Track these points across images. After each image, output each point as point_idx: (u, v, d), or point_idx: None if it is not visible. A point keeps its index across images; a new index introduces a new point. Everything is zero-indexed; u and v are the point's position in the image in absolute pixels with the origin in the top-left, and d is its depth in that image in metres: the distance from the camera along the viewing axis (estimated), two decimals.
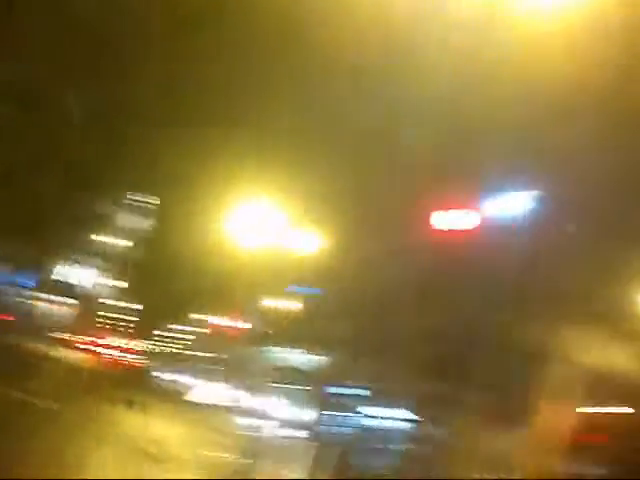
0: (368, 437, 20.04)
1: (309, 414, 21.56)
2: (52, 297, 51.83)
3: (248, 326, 52.30)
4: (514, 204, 24.39)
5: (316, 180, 36.86)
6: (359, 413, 21.97)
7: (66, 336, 50.40)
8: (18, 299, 41.27)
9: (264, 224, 30.92)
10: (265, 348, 41.59)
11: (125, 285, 77.81)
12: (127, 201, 65.89)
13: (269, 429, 18.26)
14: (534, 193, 25.72)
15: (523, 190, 25.71)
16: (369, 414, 21.89)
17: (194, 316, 68.82)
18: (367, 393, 23.93)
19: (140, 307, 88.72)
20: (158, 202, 72.81)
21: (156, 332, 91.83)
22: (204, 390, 28.67)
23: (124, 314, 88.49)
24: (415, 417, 21.80)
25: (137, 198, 69.10)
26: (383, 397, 23.09)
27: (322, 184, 36.54)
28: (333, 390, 24.26)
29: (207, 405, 25.24)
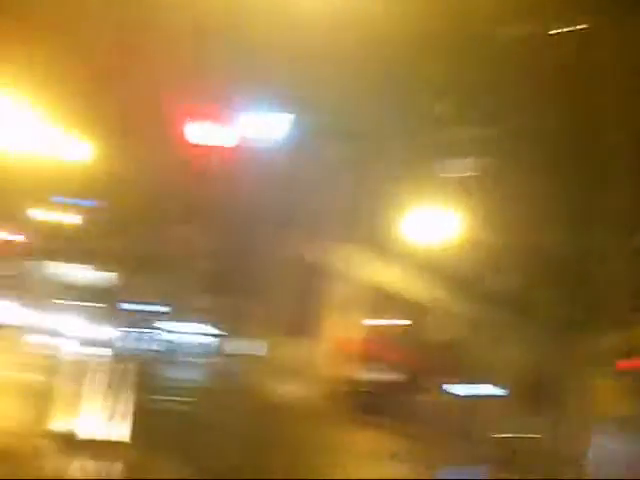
0: (169, 352, 20.10)
1: (106, 331, 21.00)
2: None
3: (24, 239, 48.83)
4: (272, 125, 24.70)
5: (76, 80, 34.37)
6: (157, 329, 21.82)
7: None
8: None
9: (30, 127, 28.47)
10: (50, 263, 39.28)
11: None
12: None
13: (65, 348, 17.52)
14: (292, 116, 26.15)
15: (280, 111, 26.06)
16: (168, 329, 21.85)
17: None
18: (164, 309, 23.76)
19: None
20: None
21: None
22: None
23: None
24: (214, 331, 22.18)
25: None
26: (180, 313, 23.10)
27: (80, 85, 34.22)
28: (128, 307, 23.70)
29: None
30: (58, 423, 7.26)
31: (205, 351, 22.46)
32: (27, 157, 31.20)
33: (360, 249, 23.55)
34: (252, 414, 11.70)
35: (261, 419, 12.84)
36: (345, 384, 15.40)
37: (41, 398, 8.37)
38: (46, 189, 38.50)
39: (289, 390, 21.40)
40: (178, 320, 24.29)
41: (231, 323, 21.43)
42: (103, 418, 7.13)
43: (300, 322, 24.46)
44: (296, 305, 24.85)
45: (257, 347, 23.29)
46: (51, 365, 11.14)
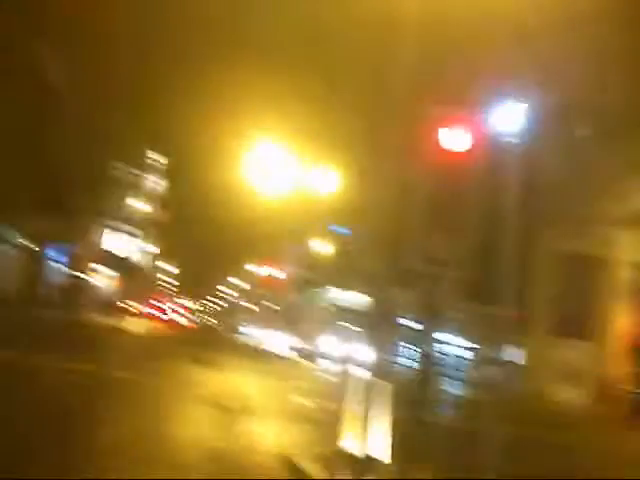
0: (437, 365, 19.97)
1: (376, 350, 21.51)
2: (97, 267, 52.66)
3: (290, 272, 52.78)
4: (510, 117, 23.45)
5: (322, 119, 36.29)
6: (423, 343, 21.90)
7: (122, 306, 51.62)
8: (60, 274, 41.76)
9: (282, 168, 30.53)
10: (315, 291, 41.96)
11: (158, 250, 78.52)
12: (146, 162, 65.89)
13: (344, 370, 18.32)
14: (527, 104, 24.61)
15: (517, 102, 24.66)
16: (432, 343, 21.83)
17: (242, 269, 69.43)
18: (426, 324, 23.83)
19: (176, 270, 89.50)
20: (169, 161, 72.80)
21: (204, 290, 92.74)
22: (271, 340, 29.01)
23: (168, 277, 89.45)
24: (474, 341, 21.63)
25: (154, 158, 69.09)
26: (439, 325, 22.94)
27: (326, 121, 35.97)
28: (397, 324, 24.02)
29: (277, 354, 25.62)
30: (347, 443, 7.50)
31: (469, 362, 21.97)
32: (285, 195, 33.72)
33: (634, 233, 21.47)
34: (527, 423, 11.11)
35: (536, 427, 12.18)
36: (624, 385, 14.01)
37: (328, 420, 8.74)
38: (306, 222, 41.17)
39: (567, 395, 20.10)
40: (439, 332, 24.16)
41: (492, 331, 20.78)
42: (386, 437, 7.21)
43: (572, 322, 22.93)
44: (566, 304, 23.42)
45: (519, 353, 22.32)
46: (334, 388, 11.62)
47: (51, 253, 40.58)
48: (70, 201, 36.66)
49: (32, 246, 36.41)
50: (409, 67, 8.38)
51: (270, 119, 37.02)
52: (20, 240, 34.79)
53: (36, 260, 37.39)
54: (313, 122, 34.44)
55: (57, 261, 41.87)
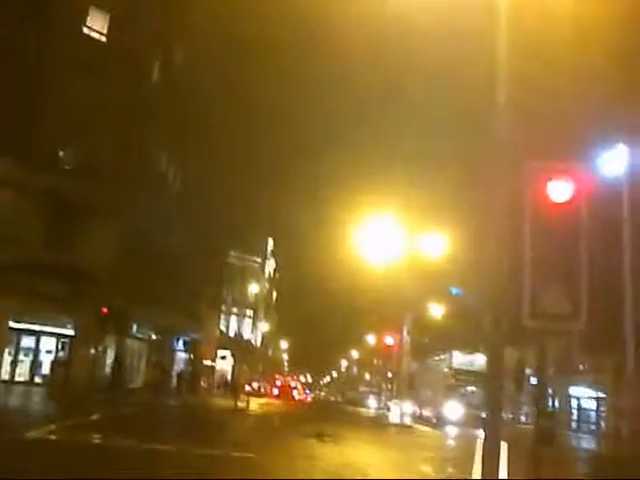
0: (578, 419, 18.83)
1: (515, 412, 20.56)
2: (220, 352, 54.13)
3: (406, 339, 51.91)
4: (616, 161, 22.40)
5: (424, 183, 36.29)
6: (564, 397, 20.79)
7: (242, 387, 52.58)
8: (185, 362, 43.44)
9: (392, 238, 30.67)
10: (434, 355, 40.96)
11: (278, 328, 79.80)
12: (258, 246, 68.33)
13: (473, 435, 17.59)
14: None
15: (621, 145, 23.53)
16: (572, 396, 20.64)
17: (357, 340, 69.20)
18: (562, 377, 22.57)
19: (291, 347, 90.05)
20: (279, 242, 74.87)
21: (322, 364, 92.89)
22: (397, 411, 28.36)
23: (286, 355, 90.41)
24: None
25: (266, 241, 71.61)
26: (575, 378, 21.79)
27: (430, 187, 35.90)
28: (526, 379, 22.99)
29: (401, 424, 24.97)
30: None
31: (598, 414, 20.36)
32: (397, 263, 33.72)
33: None
34: None
35: None
36: None
37: None
38: (419, 288, 40.88)
39: None
40: (568, 386, 22.89)
41: (619, 380, 19.50)
42: None
43: None
44: None
45: None
46: (463, 455, 11.16)
47: (176, 343, 42.40)
48: (191, 293, 38.45)
49: (159, 338, 38.20)
50: (510, 122, 8.32)
51: (375, 192, 37.77)
52: (149, 333, 36.61)
53: (163, 351, 39.15)
54: (416, 188, 34.75)
55: (182, 350, 43.70)
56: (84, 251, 26.59)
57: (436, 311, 42.77)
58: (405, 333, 50.55)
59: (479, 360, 33.40)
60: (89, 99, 26.92)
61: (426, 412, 26.65)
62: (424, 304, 43.94)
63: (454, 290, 41.73)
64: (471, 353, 34.31)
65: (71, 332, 27.79)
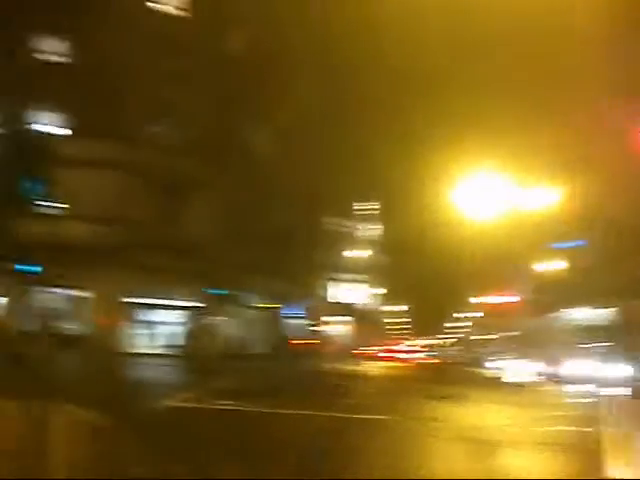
0: None
1: (624, 368, 19.96)
2: (332, 318, 55.20)
3: (521, 297, 50.68)
4: None
5: (525, 135, 34.85)
6: None
7: (362, 351, 53.54)
8: (297, 329, 44.54)
9: (496, 193, 29.82)
10: (551, 312, 39.87)
11: (384, 291, 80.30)
12: (356, 211, 68.55)
13: (593, 392, 17.25)
14: None
15: None
16: None
17: (470, 300, 68.46)
18: None
19: (405, 310, 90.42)
20: (382, 204, 74.81)
21: (435, 326, 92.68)
22: (515, 370, 28.08)
23: (398, 318, 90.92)
24: None
25: (363, 207, 71.75)
26: None
27: (531, 138, 34.44)
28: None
29: (522, 383, 24.75)
30: (614, 470, 7.08)
31: None
32: (503, 219, 32.99)
33: None
34: None
35: None
36: None
37: (590, 447, 8.30)
38: (528, 243, 39.74)
39: None
40: None
41: None
42: None
43: None
44: None
45: None
46: (589, 411, 11.06)
47: (288, 311, 43.57)
48: (298, 261, 39.34)
49: (272, 306, 39.41)
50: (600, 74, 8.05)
51: (476, 146, 36.79)
52: (260, 302, 37.86)
53: (275, 319, 40.37)
54: (519, 140, 33.56)
55: (294, 317, 44.84)
56: (191, 225, 27.63)
57: (550, 267, 41.55)
58: (520, 291, 49.54)
59: (599, 315, 32.31)
60: (177, 75, 27.54)
61: (551, 370, 26.20)
62: (537, 260, 42.76)
63: (566, 244, 40.27)
64: (594, 308, 33.27)
65: (187, 304, 29.04)
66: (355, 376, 27.62)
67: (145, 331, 29.14)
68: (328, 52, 41.93)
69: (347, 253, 62.24)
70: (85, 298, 26.89)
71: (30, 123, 26.81)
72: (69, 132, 27.59)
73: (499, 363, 35.08)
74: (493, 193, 29.86)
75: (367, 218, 74.11)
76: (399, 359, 54.49)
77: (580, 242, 38.65)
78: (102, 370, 20.00)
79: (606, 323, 29.80)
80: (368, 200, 73.72)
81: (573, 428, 12.19)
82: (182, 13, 29.73)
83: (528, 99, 34.65)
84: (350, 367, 32.43)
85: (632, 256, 28.60)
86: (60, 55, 27.85)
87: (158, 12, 29.22)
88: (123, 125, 26.42)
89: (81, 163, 25.34)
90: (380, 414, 13.59)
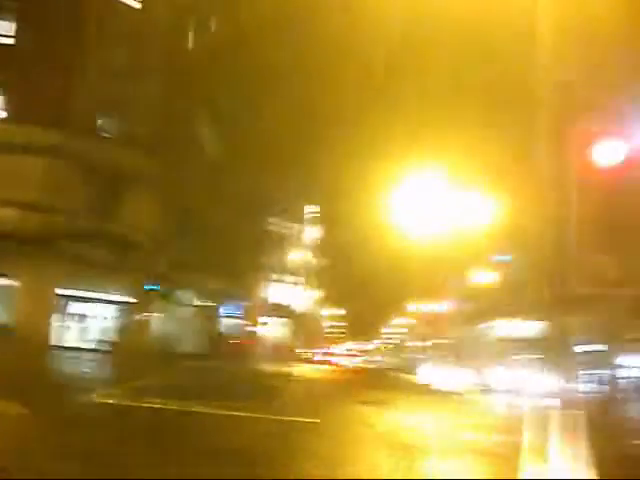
0: (620, 389, 18.75)
1: (555, 379, 20.48)
2: (269, 319, 55.00)
3: (453, 307, 51.70)
4: None
5: (471, 147, 35.65)
6: (606, 367, 20.63)
7: (298, 353, 53.32)
8: (233, 328, 44.33)
9: (436, 203, 30.34)
10: (481, 323, 40.86)
11: (322, 295, 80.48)
12: (300, 214, 68.70)
13: (522, 402, 17.68)
14: None
15: None
16: (614, 366, 20.50)
17: (405, 308, 69.33)
18: (604, 347, 22.45)
19: (342, 314, 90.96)
20: (320, 210, 75.32)
21: (370, 332, 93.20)
22: (445, 378, 28.59)
23: (334, 321, 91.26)
24: None
25: (307, 210, 71.93)
26: (617, 348, 21.58)
27: (476, 150, 35.28)
28: (575, 350, 22.78)
29: (450, 391, 25.24)
30: (528, 475, 7.34)
31: None
32: (441, 229, 33.44)
33: None
34: None
35: None
36: None
37: (509, 454, 8.55)
38: (464, 255, 40.35)
39: None
40: (618, 355, 22.59)
41: None
42: (572, 466, 6.96)
43: None
44: None
45: None
46: (513, 421, 11.35)
47: (225, 310, 43.26)
48: (238, 261, 39.12)
49: (208, 305, 39.04)
50: (556, 84, 8.25)
51: (419, 153, 37.33)
52: (197, 301, 37.46)
53: (211, 317, 40.01)
54: (463, 149, 34.23)
55: (231, 316, 44.57)
56: (129, 219, 27.13)
57: (484, 279, 42.48)
58: (454, 301, 50.47)
59: (527, 328, 33.18)
60: (126, 67, 27.16)
61: (478, 380, 26.76)
62: (472, 271, 43.65)
63: (499, 257, 41.27)
64: (519, 321, 34.14)
65: (119, 299, 28.40)
66: (287, 378, 27.59)
67: (75, 324, 28.35)
68: (279, 52, 41.87)
69: (288, 255, 62.30)
70: (11, 287, 25.92)
71: None
72: (4, 115, 26.65)
73: (431, 370, 35.67)
74: (433, 202, 30.36)
75: (310, 221, 74.32)
76: (334, 363, 54.73)
77: (509, 257, 39.77)
78: (27, 362, 19.34)
79: (536, 336, 30.59)
80: (311, 203, 73.97)
81: (497, 436, 12.48)
82: (133, 4, 29.25)
83: (474, 110, 35.24)
84: (284, 369, 32.38)
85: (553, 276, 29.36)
86: (3, 36, 26.94)
87: (109, 2, 28.66)
88: (66, 113, 25.78)
89: (15, 148, 24.52)
90: (308, 417, 13.60)
